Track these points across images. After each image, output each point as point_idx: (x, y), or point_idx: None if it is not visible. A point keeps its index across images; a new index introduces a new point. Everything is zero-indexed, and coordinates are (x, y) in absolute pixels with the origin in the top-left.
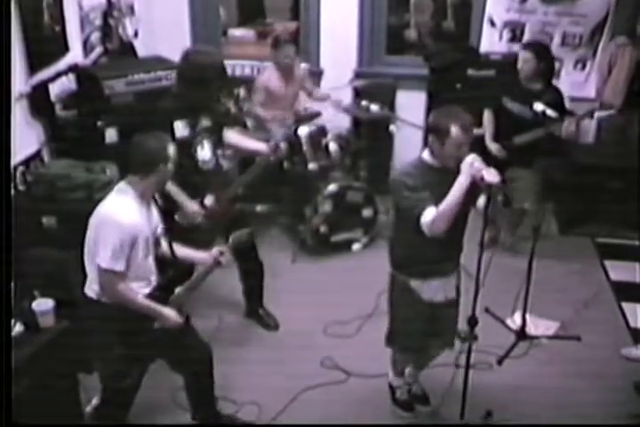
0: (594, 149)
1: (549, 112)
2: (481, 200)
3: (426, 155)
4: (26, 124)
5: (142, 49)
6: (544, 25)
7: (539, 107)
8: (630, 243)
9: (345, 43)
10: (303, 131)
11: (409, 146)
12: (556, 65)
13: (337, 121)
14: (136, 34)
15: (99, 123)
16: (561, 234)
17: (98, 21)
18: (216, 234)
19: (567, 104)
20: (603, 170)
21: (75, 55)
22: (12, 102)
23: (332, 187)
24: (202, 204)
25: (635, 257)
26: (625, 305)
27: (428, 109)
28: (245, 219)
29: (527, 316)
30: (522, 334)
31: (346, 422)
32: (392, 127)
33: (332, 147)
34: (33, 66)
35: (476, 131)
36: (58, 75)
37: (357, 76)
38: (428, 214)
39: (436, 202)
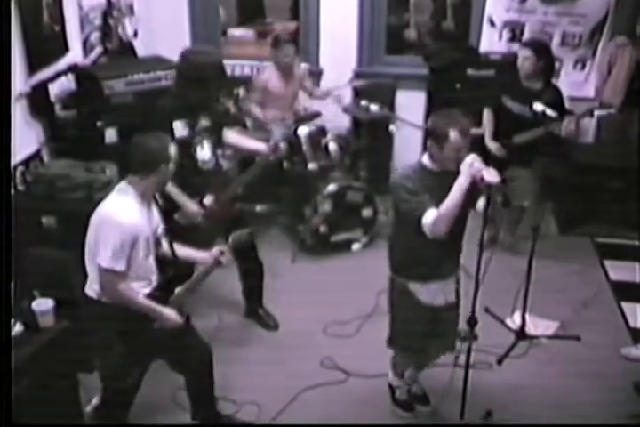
0: (593, 149)
1: (549, 112)
2: (480, 203)
3: (425, 159)
4: (25, 124)
5: (142, 49)
6: (544, 25)
7: (538, 106)
8: (630, 243)
9: (344, 42)
10: (303, 131)
11: (409, 146)
12: (556, 65)
13: (337, 121)
14: (136, 34)
15: (98, 123)
16: (560, 234)
17: (97, 21)
18: (216, 234)
19: (567, 104)
20: (602, 169)
21: (74, 55)
22: (11, 102)
23: (331, 187)
24: (201, 203)
25: (634, 257)
26: (624, 305)
27: (428, 109)
28: (245, 219)
29: (527, 316)
30: (521, 333)
31: (346, 422)
32: (392, 127)
33: (332, 147)
34: (32, 66)
35: (475, 130)
36: (57, 75)
37: (357, 75)
38: (429, 216)
39: (437, 205)
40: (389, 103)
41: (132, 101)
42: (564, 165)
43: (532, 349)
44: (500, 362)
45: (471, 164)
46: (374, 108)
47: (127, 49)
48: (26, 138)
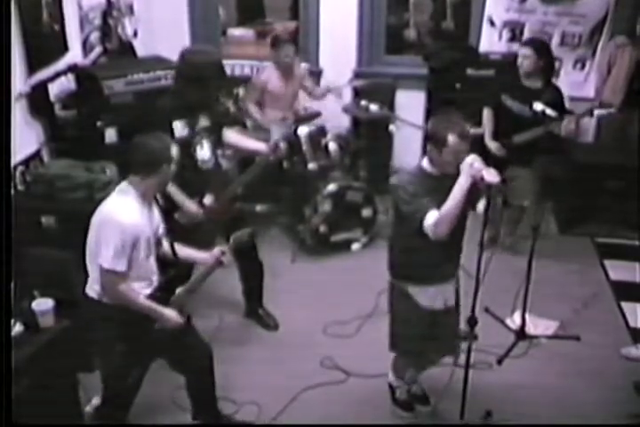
0: (593, 148)
1: (549, 111)
2: (481, 205)
3: (425, 163)
4: (25, 124)
5: (142, 49)
6: (543, 25)
7: (538, 106)
8: (630, 243)
9: (344, 42)
10: (303, 131)
11: (408, 146)
12: (556, 65)
13: (337, 121)
14: (135, 34)
15: (98, 123)
16: (560, 233)
17: (97, 21)
18: (216, 234)
19: (566, 103)
20: (602, 169)
21: (74, 55)
22: (11, 102)
23: (331, 187)
24: (201, 203)
25: (634, 257)
26: (624, 305)
27: (428, 109)
28: (245, 219)
29: (527, 315)
30: (521, 333)
31: (346, 422)
32: (391, 127)
33: (332, 147)
34: (32, 66)
35: (475, 130)
36: (57, 74)
37: (357, 75)
38: (431, 217)
39: (437, 207)
40: (389, 103)
41: (132, 101)
42: (563, 164)
43: (532, 349)
44: (499, 362)
45: (471, 164)
46: (374, 107)
47: (127, 49)
48: (26, 138)
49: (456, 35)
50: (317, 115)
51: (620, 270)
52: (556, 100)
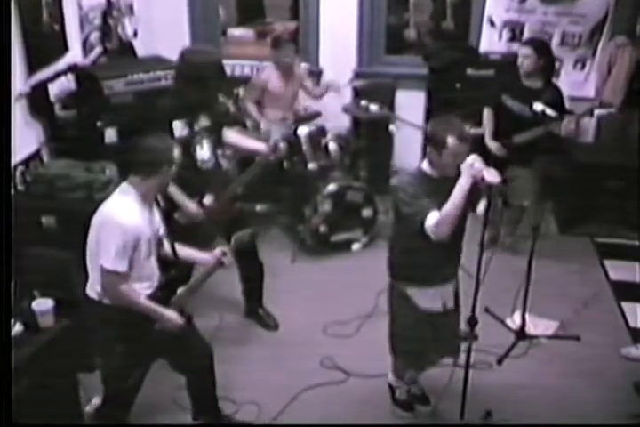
0: (593, 148)
1: (549, 111)
2: (481, 206)
3: (425, 165)
4: (25, 124)
5: (141, 49)
6: (543, 25)
7: (538, 106)
8: (630, 243)
9: (344, 42)
10: (303, 131)
11: (408, 146)
12: (556, 64)
13: (337, 121)
14: (135, 34)
15: (98, 123)
16: (560, 233)
17: (97, 21)
18: (216, 234)
19: (567, 103)
20: (602, 169)
21: (74, 55)
22: (11, 102)
23: (331, 187)
24: (200, 203)
25: (634, 257)
26: (624, 305)
27: (428, 109)
28: (245, 218)
29: (527, 315)
30: (521, 333)
31: (346, 422)
32: (392, 127)
33: (332, 147)
34: (32, 66)
35: (475, 130)
36: (57, 74)
37: (357, 75)
38: (432, 218)
39: (438, 209)
40: (389, 103)
41: (132, 101)
42: (563, 164)
43: (532, 349)
44: (499, 362)
45: (472, 164)
46: (374, 108)
47: (127, 49)
48: (26, 138)
49: (456, 35)
50: (317, 115)
51: (619, 270)
52: (556, 100)
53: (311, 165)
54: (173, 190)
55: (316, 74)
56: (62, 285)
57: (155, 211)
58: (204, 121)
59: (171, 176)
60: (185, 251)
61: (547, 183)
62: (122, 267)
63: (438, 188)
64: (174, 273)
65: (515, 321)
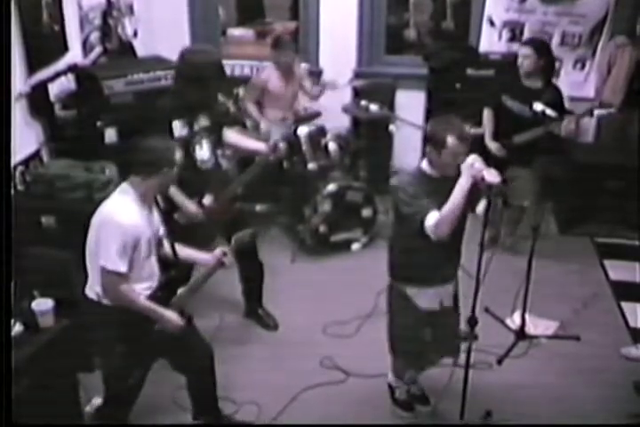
0: (593, 148)
1: (549, 111)
2: (481, 206)
3: (424, 165)
4: (25, 124)
5: (141, 49)
6: (543, 25)
7: (538, 106)
8: (630, 243)
9: (344, 42)
10: (303, 131)
11: (408, 146)
12: (556, 65)
13: (337, 121)
14: (135, 34)
15: (98, 123)
16: (560, 233)
17: (97, 21)
18: (216, 234)
19: (566, 103)
20: (602, 169)
21: (74, 55)
22: (11, 102)
23: (331, 187)
24: (200, 203)
25: (634, 257)
26: (624, 305)
27: (428, 109)
28: (245, 219)
29: (527, 315)
30: (521, 333)
31: (346, 422)
32: (391, 127)
33: (332, 147)
34: (32, 66)
35: (475, 130)
36: (57, 74)
37: (357, 75)
38: (432, 218)
39: (438, 209)
40: (389, 103)
41: (132, 101)
42: (563, 164)
43: (532, 349)
44: (499, 362)
45: (472, 164)
46: (374, 107)
47: (127, 49)
48: (26, 138)
49: (456, 35)
50: (317, 115)
51: (619, 270)
52: (556, 100)
53: (311, 165)
54: (173, 191)
55: (316, 74)
56: (62, 285)
57: (154, 211)
58: (203, 121)
59: (172, 178)
60: (185, 251)
61: (547, 183)
62: (122, 267)
63: (438, 187)
64: (174, 273)
65: (515, 321)
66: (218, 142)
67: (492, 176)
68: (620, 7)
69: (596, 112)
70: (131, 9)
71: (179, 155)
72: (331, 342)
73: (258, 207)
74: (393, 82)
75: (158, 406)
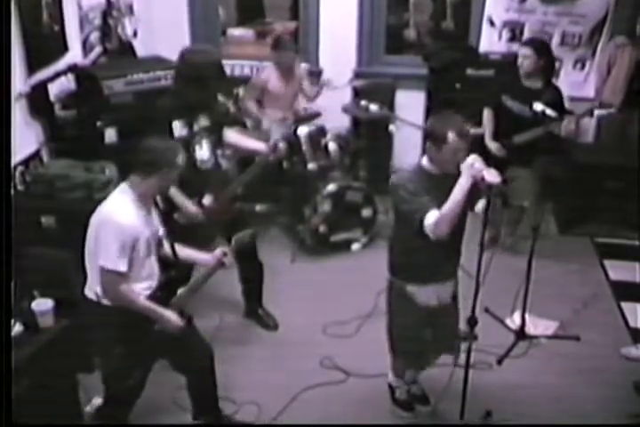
0: (593, 149)
1: (549, 111)
2: (480, 204)
3: (424, 161)
4: (25, 124)
5: (141, 49)
6: (543, 25)
7: (538, 106)
8: (630, 243)
9: (344, 42)
10: (302, 131)
11: (408, 146)
12: (556, 65)
13: (336, 121)
14: (135, 34)
15: (98, 123)
16: (560, 234)
17: (97, 21)
18: (216, 234)
19: (566, 104)
20: (602, 169)
21: (74, 55)
22: (11, 102)
23: (331, 187)
24: (200, 203)
25: (634, 257)
26: (624, 305)
27: (428, 109)
28: (245, 219)
29: (526, 315)
30: (521, 333)
31: (346, 422)
32: (391, 127)
33: (332, 147)
34: (32, 66)
35: (475, 130)
36: (57, 74)
37: (357, 75)
38: (431, 217)
39: (438, 207)
40: (389, 103)
41: (132, 101)
42: (563, 164)
43: (532, 349)
44: (499, 362)
45: (472, 164)
46: (374, 108)
47: (127, 49)
48: (25, 138)
49: (456, 35)
50: (317, 115)
51: (619, 270)
52: (555, 100)
53: (311, 165)
54: (173, 191)
55: (316, 74)
56: (62, 285)
57: (153, 212)
58: (203, 121)
59: (172, 179)
60: (185, 251)
61: (547, 183)
62: (122, 266)
63: (438, 184)
64: (174, 274)
65: (514, 321)
66: (218, 142)
67: (491, 176)
68: (619, 7)
69: (596, 112)
70: (131, 9)
71: (181, 158)
72: (331, 342)
73: (258, 207)
74: (393, 82)
75: (158, 406)
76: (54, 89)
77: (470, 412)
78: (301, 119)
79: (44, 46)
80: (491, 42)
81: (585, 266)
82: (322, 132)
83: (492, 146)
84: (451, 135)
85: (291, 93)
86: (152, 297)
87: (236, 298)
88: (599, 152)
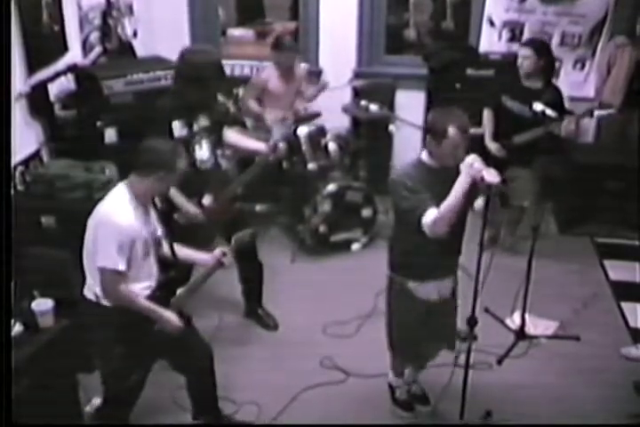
0: (593, 149)
1: (549, 111)
2: (479, 202)
3: (424, 156)
4: (25, 124)
5: (141, 49)
6: (543, 25)
7: (538, 106)
8: (630, 243)
9: (344, 42)
10: (302, 131)
11: (408, 146)
12: (556, 65)
13: (336, 121)
14: (135, 34)
15: (98, 123)
16: (560, 234)
17: (97, 21)
18: (216, 234)
19: (566, 104)
20: (602, 169)
21: (74, 55)
22: (11, 102)
23: (331, 187)
24: (200, 203)
25: (634, 257)
26: (624, 305)
27: (428, 109)
28: (245, 219)
29: (526, 316)
30: (521, 333)
31: (346, 422)
32: (391, 127)
33: (332, 147)
34: (32, 66)
35: (475, 130)
36: (57, 75)
37: (357, 75)
38: (430, 215)
39: (437, 203)
40: (389, 103)
41: (132, 101)
42: (563, 165)
43: (532, 349)
44: (499, 362)
45: (472, 164)
46: (374, 108)
47: (126, 49)
48: (25, 138)
49: (456, 35)
50: (317, 115)
51: (619, 270)
52: (555, 100)
53: (311, 165)
54: (173, 191)
55: (316, 74)
56: (62, 285)
57: (151, 212)
58: (203, 121)
59: (172, 180)
60: (184, 251)
61: (547, 184)
62: (121, 265)
63: (438, 178)
64: (174, 274)
65: (514, 321)
66: (218, 142)
67: (491, 176)
68: (619, 7)
69: (596, 112)
70: (130, 9)
71: (182, 162)
72: (331, 342)
73: (258, 207)
74: (393, 82)
75: (158, 406)
76: (54, 89)
77: (470, 412)
78: (301, 119)
79: (44, 46)
80: (491, 42)
81: (585, 266)
82: (322, 132)
83: (492, 146)
84: (451, 129)
85: (291, 93)
86: (151, 297)
87: (235, 298)
88: (599, 152)
